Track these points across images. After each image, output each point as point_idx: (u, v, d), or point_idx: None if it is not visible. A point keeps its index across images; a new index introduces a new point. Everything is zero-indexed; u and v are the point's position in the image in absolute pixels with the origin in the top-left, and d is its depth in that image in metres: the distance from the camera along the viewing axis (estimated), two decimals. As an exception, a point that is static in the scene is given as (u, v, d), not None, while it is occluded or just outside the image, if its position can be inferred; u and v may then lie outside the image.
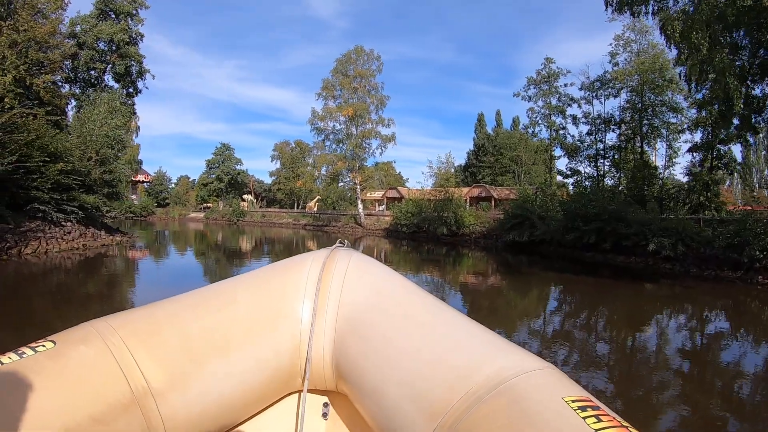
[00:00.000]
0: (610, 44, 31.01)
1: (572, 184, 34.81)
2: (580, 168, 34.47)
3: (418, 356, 1.29)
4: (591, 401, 0.98)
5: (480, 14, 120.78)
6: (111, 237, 19.78)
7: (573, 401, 0.97)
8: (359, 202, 41.45)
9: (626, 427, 0.90)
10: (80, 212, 17.73)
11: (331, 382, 1.57)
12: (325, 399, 1.64)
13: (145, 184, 70.23)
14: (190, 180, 76.22)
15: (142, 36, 29.65)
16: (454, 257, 24.48)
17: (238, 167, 72.04)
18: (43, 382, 1.10)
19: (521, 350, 1.25)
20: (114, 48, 27.52)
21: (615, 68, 31.10)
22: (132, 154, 60.72)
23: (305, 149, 63.89)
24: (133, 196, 66.20)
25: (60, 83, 24.33)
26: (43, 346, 1.20)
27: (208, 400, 1.37)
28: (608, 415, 0.93)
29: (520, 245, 25.91)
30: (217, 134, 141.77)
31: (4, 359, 1.13)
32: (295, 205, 66.58)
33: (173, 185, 73.66)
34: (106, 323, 1.34)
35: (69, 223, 17.20)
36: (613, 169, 33.12)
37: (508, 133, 56.56)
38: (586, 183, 32.65)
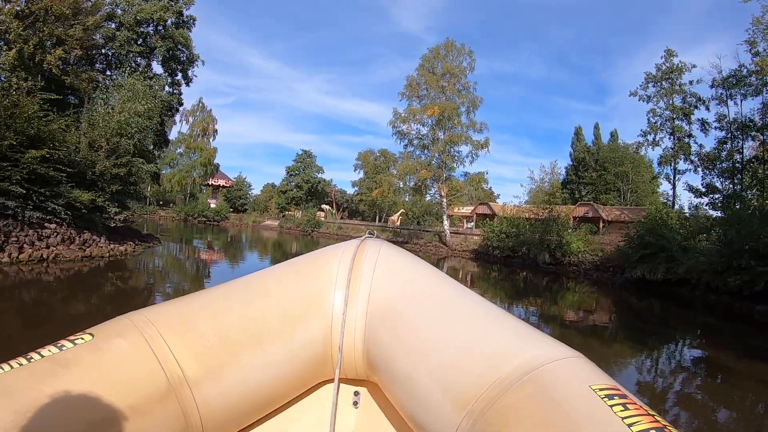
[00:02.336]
0: (747, 30, 24.62)
1: (707, 205, 28.10)
2: (717, 183, 27.94)
3: (448, 345, 1.34)
4: (618, 390, 1.02)
5: (573, 28, 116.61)
6: (112, 246, 16.57)
7: (600, 389, 1.01)
8: (445, 217, 37.19)
9: (653, 415, 0.93)
10: (66, 212, 14.36)
11: (362, 371, 1.61)
12: (357, 388, 1.69)
13: (224, 189, 69.88)
14: (275, 188, 75.47)
15: (194, 19, 26.93)
16: (556, 292, 20.16)
17: (319, 175, 70.36)
18: (82, 374, 1.16)
19: (550, 339, 1.28)
20: (160, 29, 24.98)
21: (755, 58, 24.56)
22: (207, 157, 60.61)
23: (390, 159, 60.98)
24: (212, 201, 66.08)
25: (100, 69, 21.82)
26: (82, 338, 1.25)
27: (243, 390, 1.42)
28: (635, 403, 0.97)
29: (651, 285, 20.46)
30: (308, 145, 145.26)
31: (44, 352, 1.17)
32: (377, 218, 63.36)
33: (254, 191, 73.12)
34: (142, 315, 1.38)
35: (54, 225, 14.21)
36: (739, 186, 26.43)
37: (612, 146, 51.28)
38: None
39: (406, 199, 56.47)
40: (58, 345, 1.22)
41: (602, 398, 0.97)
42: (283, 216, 63.09)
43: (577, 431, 0.93)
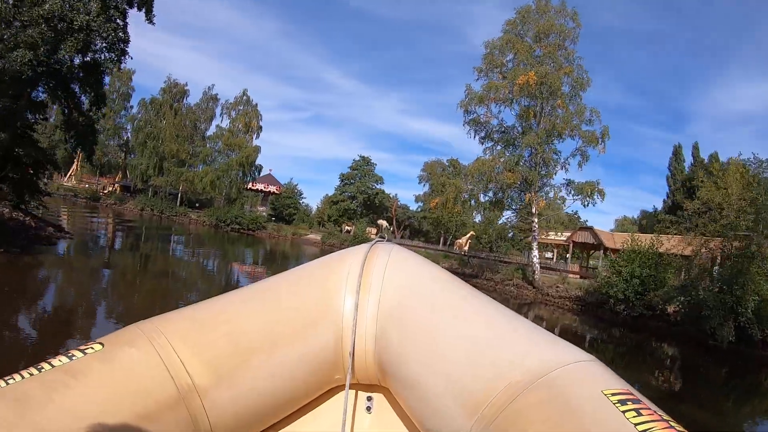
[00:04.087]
0: None
1: None
2: None
3: (459, 349, 1.33)
4: (632, 394, 1.00)
5: (650, 54, 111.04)
6: None
7: (613, 394, 0.99)
8: (535, 246, 25.73)
9: (667, 421, 0.91)
10: None
11: (374, 376, 1.61)
12: (370, 393, 1.69)
13: (273, 196, 61.58)
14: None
15: None
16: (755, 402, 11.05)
17: (377, 186, 60.55)
18: (92, 383, 1.16)
19: (564, 343, 1.27)
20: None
21: None
22: (246, 155, 51.71)
23: (460, 171, 50.11)
24: (262, 208, 58.64)
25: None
26: (92, 348, 1.26)
27: (253, 397, 1.42)
28: (649, 408, 0.95)
29: None
30: (381, 162, 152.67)
31: (55, 362, 1.18)
32: (442, 240, 52.59)
33: (305, 200, 64.50)
34: (152, 324, 1.39)
35: None
36: None
37: (739, 162, 39.46)
38: None
39: (476, 220, 48.15)
40: (69, 355, 1.21)
41: (615, 404, 0.95)
42: (344, 230, 53.52)
43: None
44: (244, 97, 54.41)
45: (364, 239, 43.78)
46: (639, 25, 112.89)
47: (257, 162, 54.29)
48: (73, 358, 1.21)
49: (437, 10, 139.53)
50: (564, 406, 0.99)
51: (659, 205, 50.13)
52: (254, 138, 54.43)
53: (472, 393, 1.19)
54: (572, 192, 24.54)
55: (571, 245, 34.75)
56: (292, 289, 1.63)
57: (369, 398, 1.67)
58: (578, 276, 29.44)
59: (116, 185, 61.68)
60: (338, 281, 1.62)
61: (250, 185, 59.33)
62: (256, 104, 54.94)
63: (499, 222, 36.33)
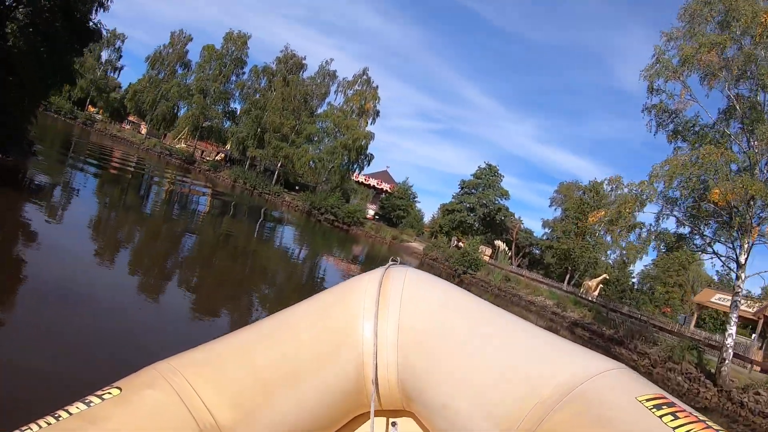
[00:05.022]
0: None
1: None
2: None
3: (485, 369, 1.31)
4: (666, 398, 1.00)
5: None
6: None
7: (647, 400, 0.99)
8: (734, 317, 16.25)
9: (704, 421, 0.91)
10: None
11: (398, 402, 1.56)
12: (394, 419, 1.63)
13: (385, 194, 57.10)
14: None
15: None
16: None
17: (500, 201, 52.43)
18: (111, 429, 1.13)
19: (590, 352, 1.26)
20: None
21: None
22: (354, 139, 45.64)
23: (603, 196, 40.51)
24: (372, 206, 53.92)
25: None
26: (110, 393, 1.23)
27: (278, 431, 1.39)
28: (685, 411, 0.94)
29: None
30: (507, 187, 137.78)
31: (72, 409, 1.15)
32: (568, 278, 43.27)
33: (419, 205, 59.68)
34: (169, 364, 1.36)
35: None
36: None
37: None
38: None
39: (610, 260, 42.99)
40: (86, 401, 1.18)
41: (650, 409, 0.94)
42: (438, 240, 46.28)
43: None
44: (364, 77, 48.88)
45: (474, 258, 36.00)
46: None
47: (369, 151, 48.32)
48: (91, 404, 1.15)
49: (583, 38, 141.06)
50: (599, 419, 0.96)
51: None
52: (369, 123, 48.63)
53: (502, 414, 1.16)
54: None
55: (761, 322, 24.27)
56: (310, 318, 1.55)
57: (393, 424, 1.61)
58: (759, 369, 19.65)
59: (221, 154, 59.35)
60: (355, 307, 1.57)
61: (362, 179, 54.29)
62: (377, 86, 49.26)
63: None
